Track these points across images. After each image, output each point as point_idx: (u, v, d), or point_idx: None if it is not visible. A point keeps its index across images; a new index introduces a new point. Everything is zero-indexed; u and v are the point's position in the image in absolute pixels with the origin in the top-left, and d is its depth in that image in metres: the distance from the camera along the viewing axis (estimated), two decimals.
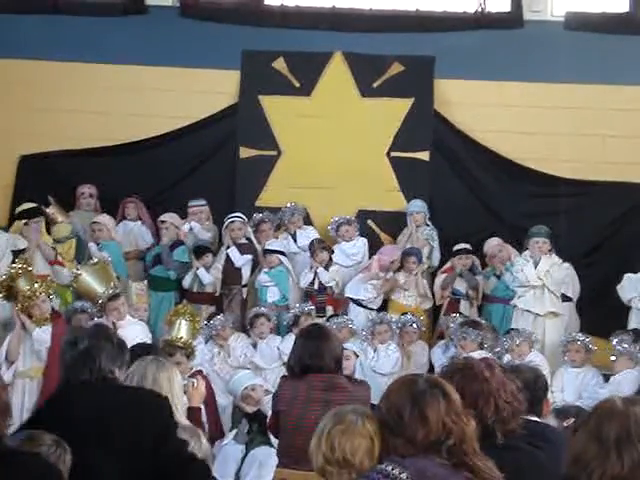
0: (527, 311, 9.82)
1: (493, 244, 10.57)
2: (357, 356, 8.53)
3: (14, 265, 8.56)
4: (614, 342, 8.93)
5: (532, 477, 3.60)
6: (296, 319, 9.52)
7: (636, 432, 2.85)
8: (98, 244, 10.29)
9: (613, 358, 8.89)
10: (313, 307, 9.79)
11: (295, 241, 10.77)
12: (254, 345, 9.43)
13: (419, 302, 10.35)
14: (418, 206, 10.86)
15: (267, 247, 10.40)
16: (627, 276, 9.87)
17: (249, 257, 10.47)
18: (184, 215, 10.74)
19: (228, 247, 10.45)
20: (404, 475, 3.05)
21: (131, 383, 4.84)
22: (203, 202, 10.77)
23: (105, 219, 10.57)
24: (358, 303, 10.34)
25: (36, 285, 8.31)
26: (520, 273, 9.87)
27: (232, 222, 10.51)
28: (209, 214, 10.84)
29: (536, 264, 9.82)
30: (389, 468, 3.09)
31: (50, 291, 8.50)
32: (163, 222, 10.61)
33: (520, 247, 10.28)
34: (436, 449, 3.14)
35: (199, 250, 10.31)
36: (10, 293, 8.37)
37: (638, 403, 2.96)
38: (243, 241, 10.54)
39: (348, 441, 3.27)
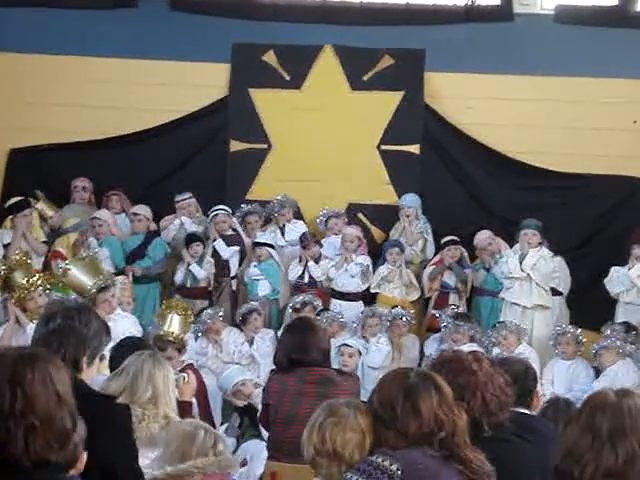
0: (515, 304, 9.84)
1: (484, 237, 10.58)
2: (361, 354, 8.57)
3: (13, 257, 8.54)
4: (605, 335, 8.95)
5: (520, 469, 3.61)
6: (303, 305, 9.55)
7: (630, 424, 2.85)
8: (98, 239, 10.30)
9: (594, 350, 8.92)
10: (320, 301, 9.82)
11: (283, 235, 10.77)
12: (250, 341, 9.41)
13: (405, 293, 10.36)
14: (410, 200, 10.87)
15: (256, 240, 10.40)
16: (614, 269, 9.89)
17: (236, 248, 10.47)
18: (173, 209, 10.74)
19: (214, 240, 10.45)
20: (394, 467, 3.06)
21: (127, 376, 4.83)
22: (189, 195, 10.76)
23: (105, 214, 10.59)
24: (338, 296, 10.36)
25: (34, 278, 8.29)
26: (504, 265, 9.89)
27: (216, 215, 10.51)
28: (197, 206, 10.84)
29: (524, 257, 9.83)
30: (379, 460, 3.10)
31: (47, 285, 8.47)
32: (136, 215, 10.60)
33: (510, 240, 10.31)
34: (428, 441, 3.15)
35: (189, 239, 10.29)
36: (6, 285, 8.35)
37: (631, 395, 2.96)
38: (229, 232, 10.55)
39: (339, 434, 3.28)
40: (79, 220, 10.42)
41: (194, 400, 7.22)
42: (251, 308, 9.62)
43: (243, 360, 9.22)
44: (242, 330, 9.55)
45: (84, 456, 3.07)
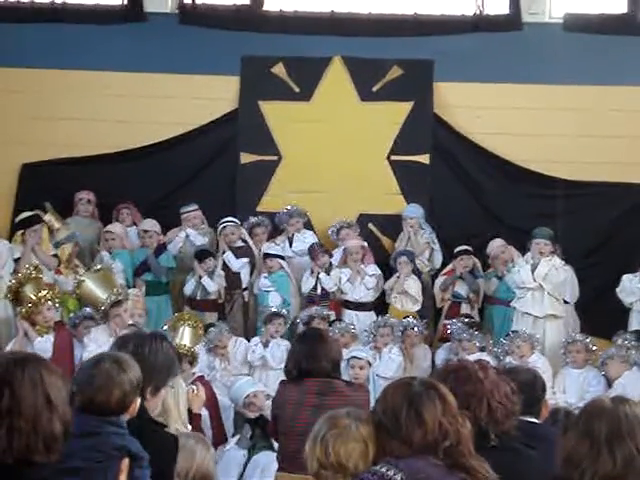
0: (526, 313, 9.80)
1: (496, 245, 10.55)
2: (370, 364, 8.56)
3: (24, 271, 8.57)
4: (615, 344, 8.91)
5: (527, 478, 3.60)
6: (310, 319, 9.54)
7: (626, 429, 2.87)
8: (110, 253, 10.33)
9: (601, 360, 8.89)
10: (332, 312, 9.79)
11: (291, 245, 10.76)
12: (265, 344, 9.35)
13: (411, 304, 10.30)
14: (412, 211, 10.87)
15: (267, 251, 10.40)
16: (626, 278, 9.85)
17: (245, 260, 10.46)
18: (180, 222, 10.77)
19: (224, 252, 10.45)
20: (398, 477, 3.05)
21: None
22: (195, 207, 10.77)
23: (118, 228, 10.62)
24: (351, 306, 10.34)
25: (43, 292, 8.31)
26: (517, 275, 9.86)
27: (224, 227, 10.52)
28: (203, 218, 10.85)
29: (535, 266, 9.80)
30: (383, 469, 3.10)
31: (56, 300, 8.49)
32: (146, 232, 10.55)
33: (520, 249, 10.28)
34: (432, 450, 3.14)
35: (201, 255, 10.28)
36: (17, 298, 8.38)
37: (626, 402, 2.98)
38: (239, 244, 10.55)
39: (342, 445, 3.26)
40: (71, 231, 10.44)
41: (206, 412, 7.25)
42: (279, 312, 9.58)
43: (256, 362, 9.21)
44: (260, 332, 9.54)
45: (136, 404, 3.46)
